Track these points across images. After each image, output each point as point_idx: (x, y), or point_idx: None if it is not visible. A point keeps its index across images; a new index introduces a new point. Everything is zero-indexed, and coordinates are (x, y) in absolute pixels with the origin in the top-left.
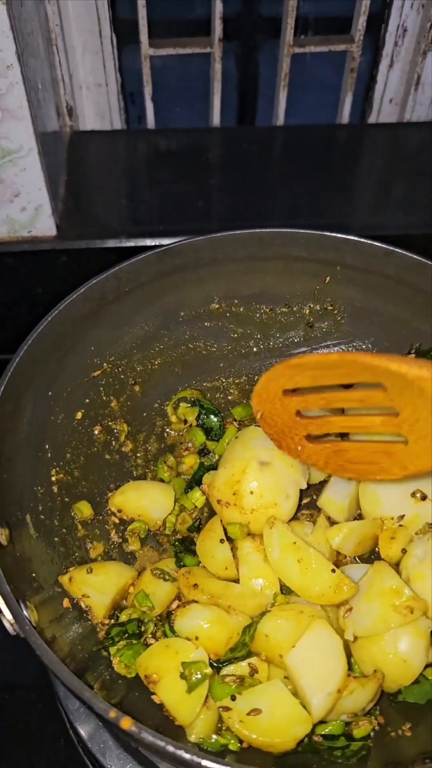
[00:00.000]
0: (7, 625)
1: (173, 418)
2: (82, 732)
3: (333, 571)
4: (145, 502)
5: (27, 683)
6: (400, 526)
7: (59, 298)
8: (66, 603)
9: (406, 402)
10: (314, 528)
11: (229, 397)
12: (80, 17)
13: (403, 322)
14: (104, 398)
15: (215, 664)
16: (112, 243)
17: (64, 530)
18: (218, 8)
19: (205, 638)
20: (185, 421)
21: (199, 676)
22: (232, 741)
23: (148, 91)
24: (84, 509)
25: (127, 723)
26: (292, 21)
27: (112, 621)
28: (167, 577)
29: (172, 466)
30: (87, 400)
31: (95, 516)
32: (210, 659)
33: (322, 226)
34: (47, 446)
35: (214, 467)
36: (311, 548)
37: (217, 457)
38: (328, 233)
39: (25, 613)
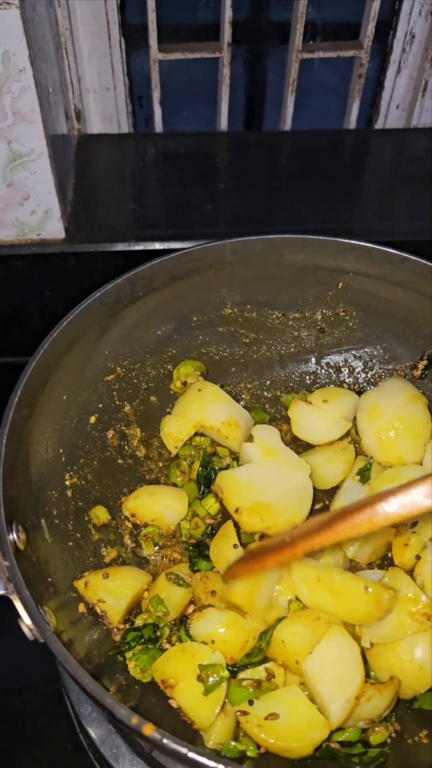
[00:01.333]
0: (26, 630)
1: (177, 383)
2: (94, 736)
3: (367, 588)
4: (159, 507)
5: (37, 688)
6: (414, 533)
7: (68, 302)
8: (82, 608)
9: None
10: None
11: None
12: (89, 21)
13: (415, 329)
14: (117, 403)
15: (232, 669)
16: (120, 246)
17: (78, 534)
18: (228, 13)
19: (221, 642)
20: (185, 383)
21: (216, 678)
22: (251, 747)
23: (156, 95)
24: (100, 514)
25: (149, 729)
26: (301, 27)
27: (128, 626)
28: (182, 582)
29: (185, 470)
30: (100, 405)
31: (109, 520)
32: (226, 663)
33: (329, 231)
34: (61, 450)
35: (224, 468)
36: (335, 574)
37: (227, 460)
38: (342, 240)
39: (44, 618)
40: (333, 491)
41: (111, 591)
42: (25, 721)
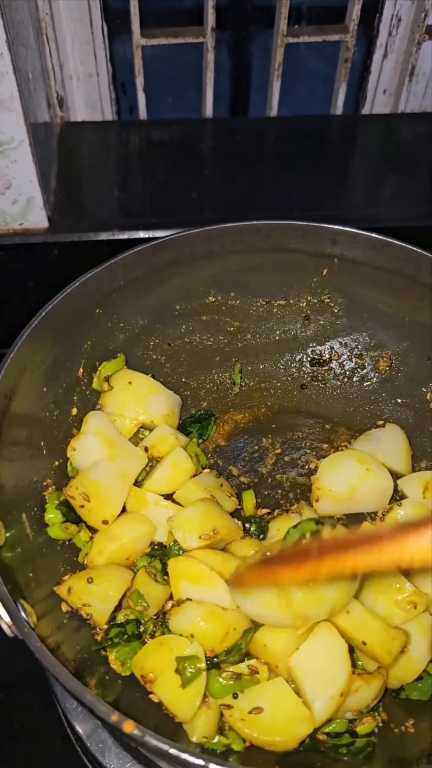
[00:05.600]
0: (4, 627)
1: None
2: (81, 731)
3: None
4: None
5: (23, 683)
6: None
7: (51, 292)
8: (64, 607)
9: None
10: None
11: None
12: (70, 6)
13: (400, 314)
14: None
15: (212, 661)
16: (104, 236)
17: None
18: None
19: (200, 635)
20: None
21: (193, 670)
22: (237, 741)
23: (139, 81)
24: None
25: (129, 726)
26: (285, 10)
27: (111, 622)
28: (159, 579)
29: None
30: (82, 396)
31: None
32: (207, 655)
33: (316, 217)
34: (42, 443)
35: None
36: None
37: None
38: (326, 225)
39: (23, 614)
40: None
41: (96, 595)
42: (12, 715)
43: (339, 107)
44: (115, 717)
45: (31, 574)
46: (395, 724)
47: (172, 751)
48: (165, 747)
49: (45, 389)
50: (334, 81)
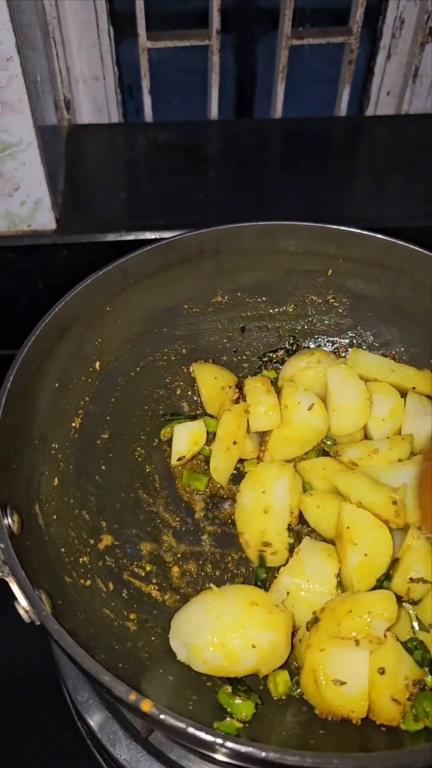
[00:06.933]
0: (22, 612)
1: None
2: (92, 723)
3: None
4: None
5: (34, 676)
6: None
7: (60, 292)
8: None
9: None
10: None
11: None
12: (77, 10)
13: (404, 314)
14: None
15: None
16: (112, 236)
17: (71, 522)
18: (216, 0)
19: None
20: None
21: None
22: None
23: (145, 84)
24: None
25: (147, 705)
26: (289, 13)
27: None
28: None
29: None
30: (92, 392)
31: None
32: None
33: (321, 218)
34: (53, 437)
35: None
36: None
37: None
38: (332, 226)
39: (40, 600)
40: None
41: None
42: (24, 709)
43: (343, 109)
44: (133, 696)
45: (44, 563)
46: None
47: (190, 729)
48: (182, 725)
49: (57, 385)
50: (338, 83)
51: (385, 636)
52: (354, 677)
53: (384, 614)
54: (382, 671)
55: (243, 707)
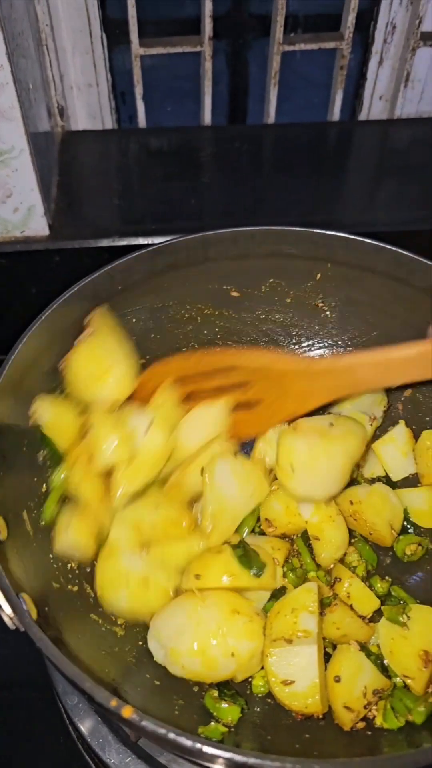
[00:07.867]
0: (6, 619)
1: None
2: (82, 728)
3: None
4: None
5: (26, 681)
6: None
7: (53, 298)
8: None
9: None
10: None
11: None
12: (70, 17)
13: (393, 317)
14: None
15: None
16: (105, 242)
17: None
18: (208, 7)
19: None
20: None
21: None
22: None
23: (138, 90)
24: None
25: (128, 712)
26: (281, 19)
27: None
28: None
29: None
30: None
31: None
32: None
33: (314, 223)
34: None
35: None
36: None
37: None
38: (319, 230)
39: (24, 607)
40: None
41: None
42: (16, 714)
43: (336, 114)
44: (114, 702)
45: (31, 570)
46: None
47: (170, 735)
48: (163, 731)
49: (45, 392)
50: (331, 88)
51: (319, 630)
52: (301, 674)
53: (308, 607)
54: (338, 679)
55: (229, 711)
